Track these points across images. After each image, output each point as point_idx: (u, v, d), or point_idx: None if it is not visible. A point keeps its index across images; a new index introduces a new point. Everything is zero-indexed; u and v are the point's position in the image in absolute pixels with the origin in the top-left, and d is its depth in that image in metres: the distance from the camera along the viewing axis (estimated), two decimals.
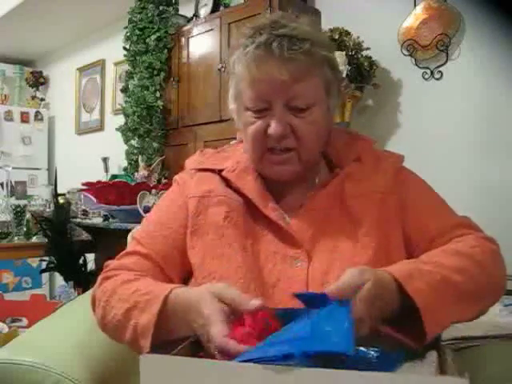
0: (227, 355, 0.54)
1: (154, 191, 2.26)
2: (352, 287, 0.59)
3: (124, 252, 0.86)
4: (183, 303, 0.65)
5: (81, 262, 2.85)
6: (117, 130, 3.24)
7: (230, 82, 0.86)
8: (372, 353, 0.57)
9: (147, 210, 2.03)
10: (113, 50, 3.83)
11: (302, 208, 0.83)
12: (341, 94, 0.92)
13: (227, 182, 0.87)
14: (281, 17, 0.82)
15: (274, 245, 0.80)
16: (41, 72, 4.99)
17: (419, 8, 2.34)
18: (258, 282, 0.76)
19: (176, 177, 0.95)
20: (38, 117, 4.66)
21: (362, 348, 0.56)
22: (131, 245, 0.87)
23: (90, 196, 2.45)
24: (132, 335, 0.69)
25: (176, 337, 0.65)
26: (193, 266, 0.81)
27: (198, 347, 0.60)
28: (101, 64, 4.31)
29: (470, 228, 0.82)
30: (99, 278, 0.81)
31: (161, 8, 3.08)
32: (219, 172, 0.89)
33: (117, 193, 2.29)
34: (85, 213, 2.90)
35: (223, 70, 2.68)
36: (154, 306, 0.66)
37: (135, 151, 3.11)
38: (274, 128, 0.78)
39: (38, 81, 4.94)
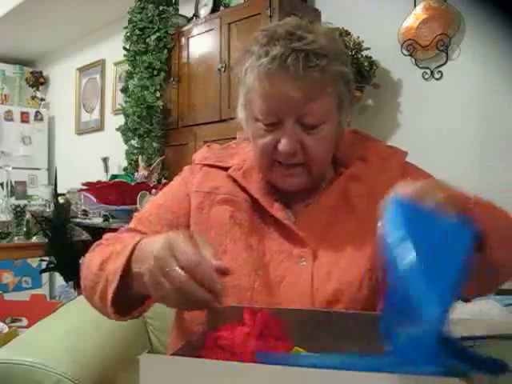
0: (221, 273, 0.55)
1: (153, 191, 2.26)
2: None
3: (124, 228, 0.86)
4: (143, 249, 0.64)
5: (81, 261, 2.84)
6: (117, 130, 3.24)
7: (240, 88, 0.84)
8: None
9: None
10: (113, 50, 3.83)
11: (308, 207, 0.84)
12: (353, 103, 0.91)
13: (233, 180, 0.87)
14: (297, 27, 0.78)
15: (279, 243, 0.80)
16: (41, 72, 4.99)
17: (419, 8, 2.34)
18: (264, 280, 0.76)
19: (185, 168, 0.95)
20: (38, 117, 4.66)
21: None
22: (132, 222, 0.87)
23: (90, 196, 2.45)
24: (103, 286, 0.68)
25: (137, 288, 0.64)
26: None
27: (197, 348, 0.60)
28: (101, 64, 4.31)
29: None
30: (92, 246, 0.83)
31: (161, 8, 3.09)
32: (226, 169, 0.89)
33: (117, 193, 2.29)
34: (85, 213, 2.90)
35: (223, 69, 2.68)
36: (125, 251, 0.66)
37: (135, 151, 3.11)
38: (283, 145, 0.77)
39: (38, 81, 4.94)
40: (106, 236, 0.84)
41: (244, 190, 0.85)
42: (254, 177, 0.86)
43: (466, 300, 0.76)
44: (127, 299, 0.68)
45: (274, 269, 0.77)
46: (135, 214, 0.91)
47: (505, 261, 0.64)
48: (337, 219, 0.81)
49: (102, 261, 0.71)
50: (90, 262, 0.75)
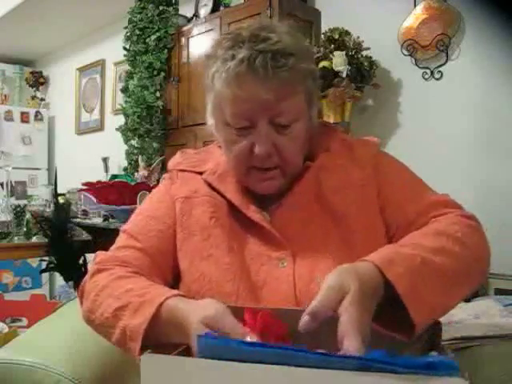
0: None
1: (153, 190, 2.26)
2: (331, 306, 0.55)
3: (117, 246, 0.83)
4: (175, 318, 0.62)
5: (81, 261, 2.84)
6: (117, 130, 3.24)
7: (208, 94, 0.82)
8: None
9: None
10: (113, 50, 3.83)
11: (282, 207, 0.82)
12: (319, 98, 0.92)
13: (209, 185, 0.86)
14: (261, 28, 0.78)
15: (257, 246, 0.79)
16: (41, 72, 5.00)
17: (419, 8, 2.34)
18: (247, 284, 0.75)
19: (165, 176, 0.94)
20: (38, 117, 4.66)
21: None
22: (122, 239, 0.84)
23: (90, 196, 2.45)
24: (120, 336, 0.66)
25: (165, 342, 0.63)
26: (181, 270, 0.80)
27: None
28: (101, 64, 4.31)
29: (449, 206, 0.80)
30: (91, 270, 0.79)
31: (161, 8, 3.09)
32: (200, 173, 0.88)
33: (117, 193, 2.29)
34: (85, 213, 2.90)
35: None
36: (146, 309, 0.64)
37: (135, 151, 3.11)
38: (259, 149, 0.77)
39: (38, 81, 4.94)
40: (103, 257, 0.80)
41: (220, 193, 0.84)
42: (229, 180, 0.85)
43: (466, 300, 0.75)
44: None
45: (255, 273, 0.76)
46: (123, 227, 0.87)
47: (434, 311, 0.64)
48: (314, 218, 0.80)
49: (117, 308, 0.68)
50: (97, 297, 0.72)
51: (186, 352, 0.58)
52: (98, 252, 0.82)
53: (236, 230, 0.81)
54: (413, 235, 0.73)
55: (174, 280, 0.83)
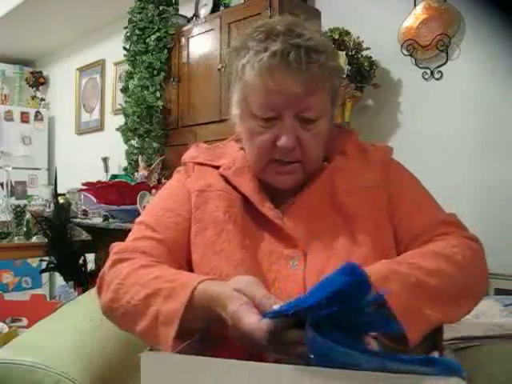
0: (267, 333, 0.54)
1: (153, 191, 2.25)
2: None
3: (134, 236, 0.83)
4: (211, 297, 0.63)
5: (81, 261, 2.85)
6: (117, 129, 3.24)
7: (236, 85, 0.83)
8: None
9: None
10: (113, 50, 3.83)
11: (295, 205, 0.83)
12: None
13: (224, 179, 0.87)
14: (294, 24, 0.80)
15: (270, 243, 0.80)
16: (41, 72, 5.00)
17: (419, 8, 2.34)
18: (259, 280, 0.76)
19: (179, 169, 0.94)
20: (38, 117, 4.66)
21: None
22: (140, 230, 0.83)
23: (90, 196, 2.45)
24: (151, 322, 0.66)
25: (196, 328, 0.64)
26: (193, 263, 0.81)
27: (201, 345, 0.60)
28: (101, 64, 4.31)
29: (454, 226, 0.81)
30: (110, 260, 0.78)
31: (161, 8, 3.09)
32: (216, 168, 0.89)
33: (117, 193, 2.29)
34: (85, 213, 2.90)
35: (223, 69, 2.68)
36: (181, 294, 0.64)
37: (135, 151, 3.11)
38: (284, 141, 0.78)
39: (38, 81, 4.94)
40: (122, 247, 0.79)
41: (235, 188, 0.85)
42: (245, 176, 0.86)
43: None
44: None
45: (266, 270, 0.77)
46: (138, 219, 0.87)
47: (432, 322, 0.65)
48: (325, 218, 0.81)
49: (148, 295, 0.68)
50: (121, 285, 0.72)
51: (208, 334, 0.58)
52: (113, 244, 0.81)
53: (249, 226, 0.81)
54: (412, 254, 0.74)
55: (190, 270, 0.82)
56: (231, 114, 0.88)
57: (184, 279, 0.67)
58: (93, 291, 0.85)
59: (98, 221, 2.72)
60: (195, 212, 0.83)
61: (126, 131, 3.14)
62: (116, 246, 0.80)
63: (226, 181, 0.86)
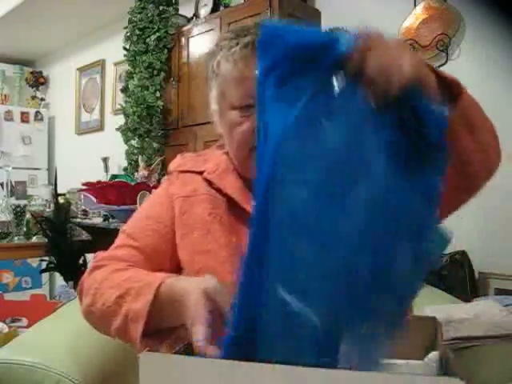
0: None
1: (153, 191, 2.26)
2: None
3: (115, 245, 0.86)
4: (175, 294, 0.64)
5: (81, 261, 2.85)
6: (117, 129, 3.24)
7: (213, 82, 0.86)
8: None
9: None
10: (113, 50, 3.83)
11: None
12: None
13: (209, 183, 0.89)
14: (262, 21, 0.85)
15: None
16: (41, 72, 5.00)
17: (419, 8, 2.34)
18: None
19: (164, 178, 0.98)
20: (38, 117, 4.66)
21: None
22: (120, 238, 0.87)
23: (90, 196, 2.45)
24: (122, 322, 0.68)
25: (165, 326, 0.65)
26: (182, 265, 0.83)
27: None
28: (101, 64, 4.31)
29: None
30: (89, 268, 0.81)
31: (161, 8, 3.09)
32: (200, 173, 0.91)
33: (117, 193, 2.29)
34: (85, 213, 2.90)
35: None
36: (147, 292, 0.66)
37: (135, 151, 3.11)
38: None
39: (38, 81, 4.94)
40: (100, 256, 0.82)
41: (220, 191, 0.87)
42: (229, 178, 0.88)
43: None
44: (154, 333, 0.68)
45: None
46: (122, 228, 0.90)
47: (477, 121, 0.71)
48: None
49: (119, 296, 0.69)
50: (98, 290, 0.74)
51: (187, 348, 0.58)
52: (97, 252, 0.84)
53: (235, 225, 0.83)
54: None
55: None
56: (211, 110, 0.89)
57: (152, 278, 0.69)
58: None
59: (98, 221, 2.72)
60: (181, 217, 0.85)
61: (126, 131, 3.14)
62: (98, 255, 0.83)
63: (210, 185, 0.88)
